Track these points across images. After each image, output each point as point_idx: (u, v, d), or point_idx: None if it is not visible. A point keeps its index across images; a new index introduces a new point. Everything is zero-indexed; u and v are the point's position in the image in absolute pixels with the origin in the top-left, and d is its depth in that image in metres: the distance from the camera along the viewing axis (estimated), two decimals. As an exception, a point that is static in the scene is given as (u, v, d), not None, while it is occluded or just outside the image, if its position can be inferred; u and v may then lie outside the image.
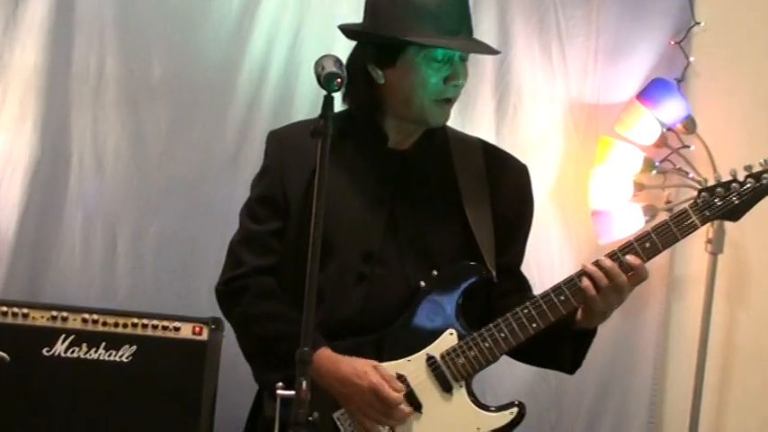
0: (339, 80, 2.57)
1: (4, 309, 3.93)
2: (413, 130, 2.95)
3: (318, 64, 2.65)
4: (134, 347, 3.94)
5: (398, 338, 2.81)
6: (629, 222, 4.44)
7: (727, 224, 4.46)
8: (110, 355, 3.94)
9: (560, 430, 4.64)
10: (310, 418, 2.41)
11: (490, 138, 4.53)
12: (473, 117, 4.56)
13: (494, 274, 2.88)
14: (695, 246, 4.58)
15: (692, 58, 4.62)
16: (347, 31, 2.98)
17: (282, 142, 2.98)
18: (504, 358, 4.41)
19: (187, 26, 4.40)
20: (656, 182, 4.53)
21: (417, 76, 2.84)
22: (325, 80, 2.57)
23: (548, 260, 4.52)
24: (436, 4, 2.81)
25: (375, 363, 2.76)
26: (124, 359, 3.94)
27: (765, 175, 2.84)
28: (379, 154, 2.93)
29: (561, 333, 2.86)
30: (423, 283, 2.83)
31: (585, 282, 2.78)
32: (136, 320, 3.95)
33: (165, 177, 4.37)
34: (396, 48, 2.85)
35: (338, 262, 2.84)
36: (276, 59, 4.42)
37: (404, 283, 2.80)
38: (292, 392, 2.41)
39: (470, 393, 2.82)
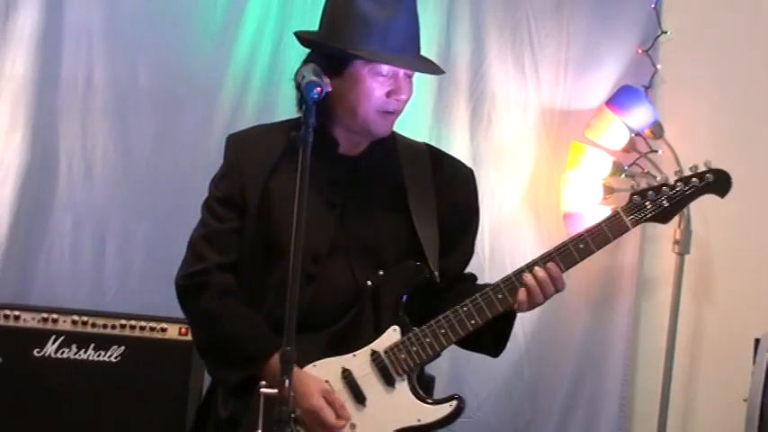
0: (319, 89, 2.58)
1: (-5, 310, 3.93)
2: (361, 137, 2.96)
3: (299, 73, 2.69)
4: (122, 348, 3.95)
5: (345, 335, 2.84)
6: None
7: (695, 225, 4.52)
8: (99, 356, 3.94)
9: (535, 424, 4.66)
10: (293, 415, 2.41)
11: (465, 144, 4.59)
12: (449, 124, 4.60)
13: (436, 274, 2.90)
14: (663, 247, 4.62)
15: (659, 66, 4.65)
16: (301, 38, 2.99)
17: (240, 145, 2.98)
18: (480, 359, 4.52)
19: (173, 35, 4.42)
20: (625, 185, 4.54)
21: (362, 88, 2.86)
22: (306, 89, 2.59)
23: (522, 260, 4.46)
24: (385, 21, 2.82)
25: (327, 388, 2.78)
26: (113, 359, 3.94)
27: (694, 180, 2.88)
28: (331, 160, 2.92)
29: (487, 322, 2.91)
30: (369, 282, 2.84)
31: (521, 289, 2.83)
32: (124, 322, 3.96)
33: (152, 181, 4.38)
34: (344, 59, 2.87)
35: (287, 263, 2.84)
36: (260, 66, 4.44)
37: (351, 282, 2.82)
38: (275, 390, 2.40)
39: (412, 386, 2.85)
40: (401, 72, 2.86)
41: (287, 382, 2.37)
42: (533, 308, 2.90)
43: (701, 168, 2.90)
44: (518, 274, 2.85)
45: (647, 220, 2.87)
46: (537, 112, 4.64)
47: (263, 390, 2.52)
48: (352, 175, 2.74)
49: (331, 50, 2.88)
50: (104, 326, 3.96)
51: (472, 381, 4.56)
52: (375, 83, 2.85)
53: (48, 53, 4.34)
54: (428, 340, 2.83)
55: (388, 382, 2.82)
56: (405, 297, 2.87)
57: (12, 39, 4.30)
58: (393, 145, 3.02)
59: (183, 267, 2.95)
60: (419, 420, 2.83)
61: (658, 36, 4.65)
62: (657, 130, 4.54)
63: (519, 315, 4.42)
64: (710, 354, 4.65)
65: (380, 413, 2.80)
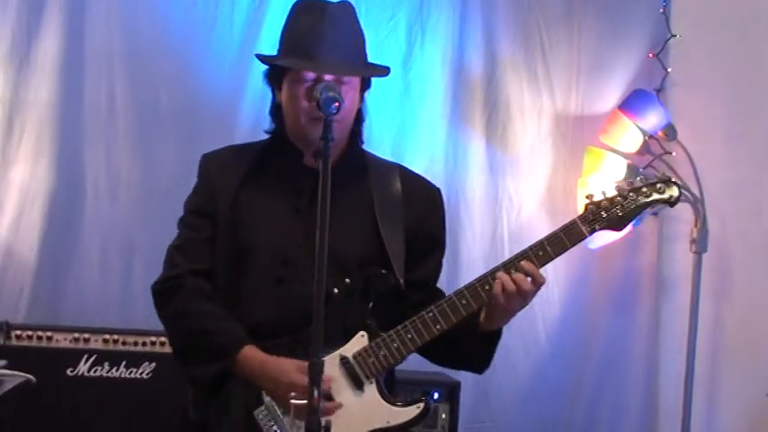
0: (337, 104, 2.62)
1: (29, 332, 3.97)
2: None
3: (317, 89, 2.71)
4: (153, 364, 3.97)
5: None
6: (616, 227, 4.47)
7: (711, 224, 4.51)
8: (131, 373, 3.97)
9: (561, 426, 4.65)
10: (323, 426, 2.43)
11: (481, 153, 4.62)
12: (465, 134, 4.64)
13: (402, 282, 2.92)
14: (681, 247, 4.63)
15: (669, 69, 4.66)
16: (258, 57, 3.05)
17: (212, 164, 3.03)
18: (504, 363, 4.54)
19: (191, 58, 4.47)
20: (640, 187, 4.56)
21: (290, 96, 2.92)
22: (324, 104, 2.63)
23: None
24: (306, 30, 2.88)
25: (299, 363, 2.76)
26: (144, 376, 3.97)
27: (644, 189, 2.94)
28: (296, 170, 2.96)
29: (468, 336, 2.92)
30: (336, 290, 2.85)
31: (497, 288, 2.83)
32: (154, 338, 3.98)
33: (176, 200, 4.36)
34: (278, 71, 2.95)
35: (258, 267, 2.90)
36: (276, 87, 4.46)
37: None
38: (304, 401, 2.42)
39: (380, 390, 2.87)
40: (326, 78, 2.85)
41: (316, 392, 2.39)
42: (510, 310, 2.87)
43: (652, 180, 2.96)
44: (480, 279, 2.86)
45: (602, 229, 2.92)
46: (551, 119, 4.66)
47: (293, 401, 2.58)
48: (316, 184, 2.64)
49: (267, 63, 2.98)
50: (135, 343, 3.99)
51: (497, 385, 4.57)
52: (299, 91, 2.88)
53: (70, 79, 4.39)
54: (395, 345, 2.85)
55: (358, 385, 2.84)
56: (370, 304, 2.89)
57: (35, 66, 4.36)
58: (362, 160, 3.05)
59: (159, 276, 3.02)
60: (388, 422, 2.85)
61: (668, 39, 4.66)
62: (670, 132, 4.55)
63: (541, 318, 4.59)
64: (731, 351, 4.64)
65: (351, 416, 2.82)
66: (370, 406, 2.85)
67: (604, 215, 2.91)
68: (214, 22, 4.48)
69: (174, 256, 2.99)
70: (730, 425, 4.64)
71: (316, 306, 2.46)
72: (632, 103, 4.55)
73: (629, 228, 3.01)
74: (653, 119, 4.53)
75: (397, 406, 2.87)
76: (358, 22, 2.98)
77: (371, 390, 2.85)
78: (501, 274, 2.84)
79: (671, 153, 4.58)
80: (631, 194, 2.93)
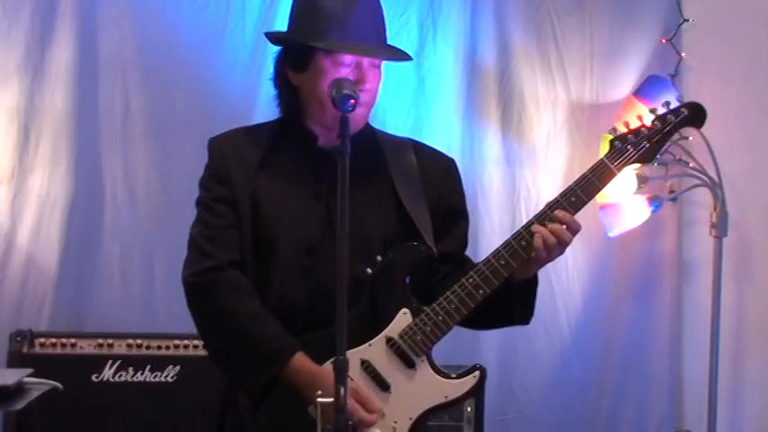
0: (353, 101, 2.58)
1: (53, 340, 3.99)
2: (336, 132, 2.80)
3: (332, 86, 2.67)
4: (178, 367, 3.98)
5: (356, 326, 2.70)
6: (635, 214, 4.45)
7: (730, 207, 4.48)
8: (155, 377, 3.97)
9: (587, 415, 4.64)
10: (350, 423, 2.41)
11: (497, 144, 4.60)
12: (480, 126, 4.61)
13: (434, 250, 2.84)
14: (700, 231, 4.60)
15: (683, 54, 4.62)
16: (270, 37, 2.96)
17: (224, 149, 2.90)
18: (528, 354, 4.53)
19: (204, 61, 4.45)
20: (658, 173, 4.53)
21: (325, 80, 2.79)
22: (340, 101, 2.59)
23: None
24: (344, 12, 2.78)
25: (353, 386, 2.69)
26: (169, 379, 3.97)
27: (669, 117, 2.88)
28: (312, 153, 2.88)
29: (505, 290, 2.82)
30: (369, 270, 2.79)
31: (537, 242, 2.76)
32: (177, 342, 3.99)
33: (194, 203, 4.38)
34: (307, 53, 2.82)
35: (282, 258, 2.80)
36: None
37: (349, 273, 2.56)
38: (331, 399, 2.40)
39: (432, 365, 2.81)
40: (365, 61, 2.80)
41: (342, 390, 2.36)
42: (550, 260, 2.80)
43: (675, 105, 2.90)
44: (516, 236, 2.79)
45: (631, 162, 2.85)
46: (566, 108, 4.64)
47: (319, 399, 2.51)
48: (334, 166, 2.57)
49: (294, 46, 2.86)
50: (159, 347, 4.00)
51: (521, 376, 4.56)
52: (338, 74, 2.78)
53: (85, 86, 4.39)
54: (440, 318, 2.78)
55: (409, 365, 2.78)
56: (407, 279, 2.82)
57: (49, 74, 4.36)
58: (374, 138, 2.97)
59: (190, 266, 2.84)
60: (446, 397, 2.80)
61: (681, 24, 4.62)
62: (686, 117, 4.52)
63: (563, 308, 4.57)
64: (755, 334, 4.62)
65: (407, 397, 2.77)
66: (426, 383, 2.79)
67: (631, 149, 2.83)
68: (225, 24, 4.47)
69: (203, 244, 2.82)
70: (757, 408, 4.62)
71: (339, 300, 2.40)
72: (647, 89, 4.51)
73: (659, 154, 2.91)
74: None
75: (453, 378, 2.81)
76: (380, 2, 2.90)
77: (424, 367, 2.79)
78: (538, 227, 2.77)
79: (687, 138, 4.54)
80: (656, 123, 2.86)
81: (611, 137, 4.44)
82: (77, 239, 4.37)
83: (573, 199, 2.82)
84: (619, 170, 2.83)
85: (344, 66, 2.79)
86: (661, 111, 2.88)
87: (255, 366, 2.75)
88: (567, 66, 4.63)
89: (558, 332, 4.60)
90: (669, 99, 4.39)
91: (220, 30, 4.47)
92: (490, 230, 4.56)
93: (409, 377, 2.78)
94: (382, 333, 2.78)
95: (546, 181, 4.62)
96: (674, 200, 4.60)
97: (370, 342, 2.77)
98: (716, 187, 4.49)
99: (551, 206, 2.81)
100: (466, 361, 4.18)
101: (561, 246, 2.79)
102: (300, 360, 2.73)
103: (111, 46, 4.41)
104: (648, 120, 2.87)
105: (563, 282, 4.59)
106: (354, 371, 2.70)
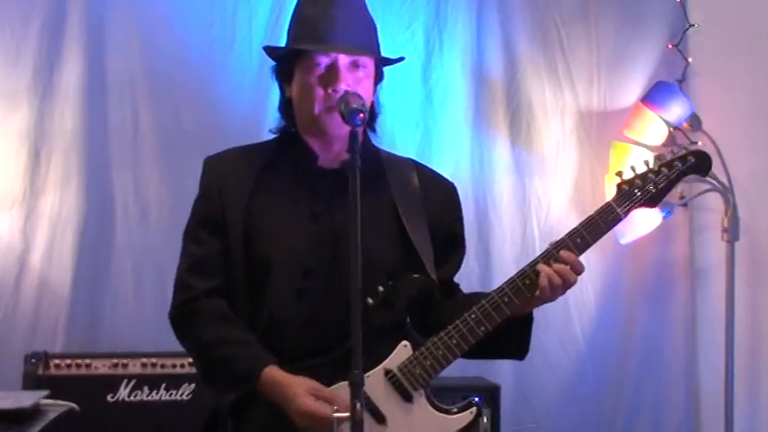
0: (362, 115, 2.55)
1: (68, 361, 3.98)
2: (337, 147, 2.82)
3: (341, 101, 2.64)
4: (193, 385, 3.96)
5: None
6: (646, 220, 4.43)
7: (741, 212, 4.46)
8: (170, 395, 3.96)
9: (604, 424, 4.62)
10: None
11: (506, 154, 4.60)
12: (489, 136, 4.61)
13: (435, 280, 2.82)
14: (712, 236, 4.59)
15: (690, 59, 4.62)
16: (265, 49, 2.94)
17: (218, 168, 2.89)
18: (543, 365, 4.51)
19: (211, 78, 4.46)
20: (667, 179, 4.53)
21: (302, 85, 2.78)
22: (349, 116, 2.56)
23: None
24: (316, 15, 2.76)
25: (314, 384, 2.67)
26: (185, 397, 3.95)
27: (676, 163, 2.88)
28: (311, 173, 2.83)
29: (503, 326, 2.79)
30: (370, 300, 2.74)
31: (543, 281, 2.75)
32: (191, 360, 3.95)
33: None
34: (287, 61, 2.82)
35: (277, 280, 2.77)
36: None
37: (349, 301, 2.52)
38: (347, 414, 2.39)
39: (430, 400, 2.78)
40: (340, 63, 2.75)
41: (358, 405, 2.34)
42: (552, 299, 2.80)
43: (682, 152, 2.91)
44: (520, 274, 2.77)
45: (637, 207, 2.86)
46: (575, 116, 4.64)
47: (335, 414, 2.50)
48: (335, 187, 2.60)
49: (273, 55, 2.87)
50: (173, 365, 3.98)
51: (537, 387, 4.54)
52: (312, 78, 2.75)
53: (94, 105, 4.38)
54: (441, 352, 2.75)
55: (406, 398, 2.74)
56: (409, 310, 2.81)
57: (59, 93, 4.36)
58: (376, 157, 2.92)
59: (172, 300, 2.87)
60: None
61: (687, 29, 4.63)
62: (695, 122, 4.51)
63: (577, 317, 4.56)
64: (769, 337, 4.61)
65: (403, 431, 2.75)
66: (422, 417, 2.76)
67: (638, 193, 2.85)
68: (232, 42, 4.47)
69: (185, 278, 2.83)
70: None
71: (353, 318, 2.38)
72: (655, 95, 4.52)
73: (662, 202, 2.93)
74: (677, 110, 4.50)
75: (450, 414, 2.79)
76: (367, 7, 2.86)
77: (421, 401, 2.76)
78: (543, 267, 2.76)
79: (697, 143, 4.52)
80: (663, 168, 2.86)
81: (621, 144, 4.50)
82: (90, 259, 4.36)
83: (578, 240, 2.81)
84: (625, 214, 2.85)
85: (317, 67, 2.76)
86: (668, 157, 2.90)
87: (231, 387, 2.77)
88: (574, 74, 4.64)
89: (572, 341, 4.59)
90: (678, 105, 4.47)
91: (227, 47, 4.47)
92: (501, 240, 4.57)
93: (406, 411, 2.75)
94: (381, 365, 2.75)
95: (556, 189, 4.62)
96: (684, 205, 4.60)
97: (368, 373, 2.70)
98: (727, 192, 4.48)
99: (557, 246, 2.80)
100: (480, 372, 4.22)
101: (565, 286, 2.78)
102: (271, 374, 2.71)
103: (119, 65, 4.41)
104: (655, 165, 2.88)
105: (576, 290, 4.46)
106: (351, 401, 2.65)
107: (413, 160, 3.03)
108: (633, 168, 2.88)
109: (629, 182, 2.87)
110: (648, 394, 4.64)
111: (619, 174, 2.90)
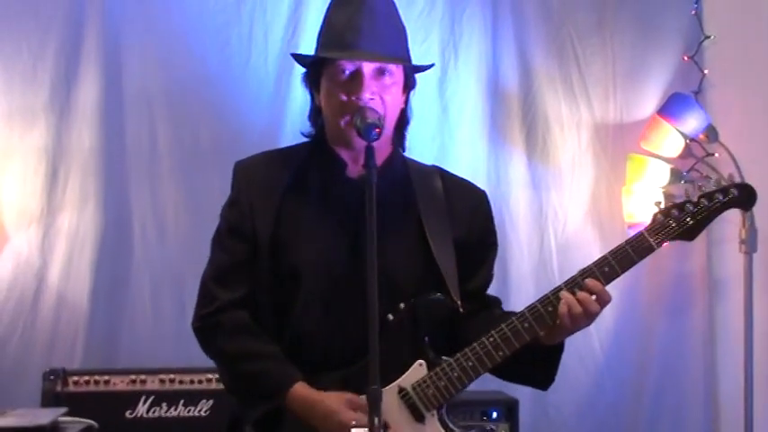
0: (378, 130, 2.55)
1: (86, 378, 3.97)
2: (364, 158, 2.73)
3: (357, 116, 2.64)
4: (211, 401, 3.96)
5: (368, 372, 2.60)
6: (664, 233, 4.41)
7: (759, 222, 4.44)
8: (189, 412, 3.95)
9: (622, 436, 4.60)
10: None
11: (523, 168, 4.58)
12: (505, 150, 4.61)
13: (459, 303, 2.77)
14: (730, 247, 4.56)
15: (706, 71, 4.61)
16: (295, 58, 2.91)
17: (249, 175, 2.86)
18: (561, 376, 4.48)
19: (228, 94, 4.45)
20: (685, 191, 4.50)
21: (328, 94, 2.75)
22: (365, 130, 2.56)
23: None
24: (342, 22, 2.72)
25: (347, 396, 2.67)
26: (203, 413, 3.95)
27: (718, 195, 2.78)
28: (340, 183, 2.81)
29: (529, 352, 2.74)
30: (390, 316, 2.72)
31: (562, 309, 2.68)
32: (210, 375, 3.96)
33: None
34: (315, 69, 2.79)
35: (304, 289, 2.75)
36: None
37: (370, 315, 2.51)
38: (365, 429, 2.38)
39: (442, 421, 2.74)
40: (365, 70, 2.71)
41: (376, 420, 2.33)
42: (576, 330, 2.73)
43: (724, 183, 2.81)
44: (543, 300, 2.71)
45: (672, 239, 2.76)
46: (591, 129, 4.63)
47: (353, 429, 2.50)
48: (363, 198, 2.53)
49: (301, 62, 2.85)
50: (191, 381, 3.98)
51: (555, 398, 4.51)
52: (336, 87, 2.72)
53: (111, 122, 4.39)
54: (456, 374, 2.71)
55: (418, 418, 2.71)
56: (428, 330, 2.76)
57: (76, 112, 4.36)
58: (404, 168, 2.90)
59: (196, 310, 2.87)
60: None
61: (702, 41, 4.62)
62: (712, 133, 4.50)
63: (595, 329, 4.53)
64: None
65: None
66: None
67: (674, 225, 2.74)
68: (248, 57, 4.47)
69: (210, 287, 2.83)
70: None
71: (371, 333, 2.36)
72: (671, 107, 4.50)
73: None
74: (693, 122, 4.48)
75: None
76: (397, 12, 2.82)
77: (433, 422, 2.72)
78: (565, 294, 2.69)
79: (714, 155, 4.52)
80: (702, 200, 2.77)
81: (637, 156, 4.49)
82: (108, 276, 4.36)
83: (606, 269, 2.73)
84: (658, 245, 2.75)
85: (342, 77, 2.73)
86: (710, 188, 2.79)
87: (255, 404, 2.75)
88: (589, 86, 4.64)
89: (590, 353, 4.56)
90: (694, 117, 4.45)
91: (243, 62, 4.48)
92: (519, 255, 4.56)
93: (417, 431, 2.72)
94: (395, 382, 2.72)
95: (573, 203, 4.61)
96: (703, 216, 4.57)
97: (383, 389, 2.62)
98: (744, 203, 4.45)
99: (584, 274, 2.72)
100: (498, 386, 4.19)
101: (588, 317, 2.70)
102: (300, 390, 2.71)
103: (136, 82, 4.42)
104: (695, 195, 2.77)
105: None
106: (362, 417, 2.61)
107: (440, 169, 3.00)
108: (671, 197, 2.78)
109: (666, 211, 2.76)
110: (667, 408, 4.61)
111: (657, 203, 2.80)
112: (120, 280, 4.39)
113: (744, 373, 4.43)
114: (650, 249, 2.75)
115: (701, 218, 2.77)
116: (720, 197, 2.79)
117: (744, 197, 2.82)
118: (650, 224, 2.76)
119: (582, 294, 2.69)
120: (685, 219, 2.76)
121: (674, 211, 2.76)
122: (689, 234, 2.78)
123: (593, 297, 2.70)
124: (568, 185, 4.61)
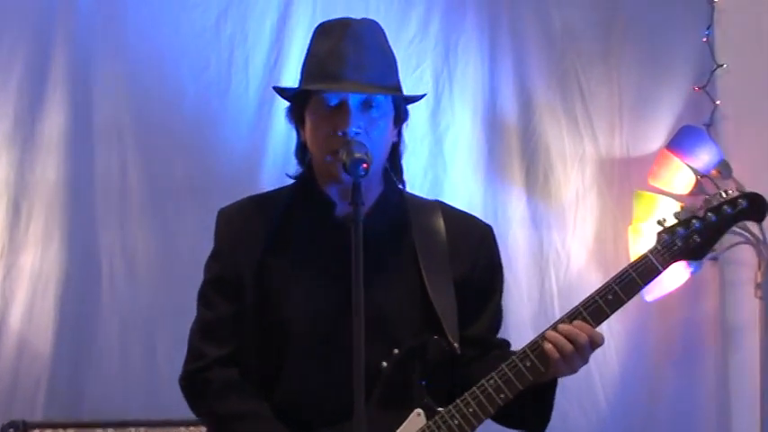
0: (365, 165, 2.50)
1: (49, 431, 3.91)
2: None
3: (343, 150, 2.57)
4: (184, 458, 3.90)
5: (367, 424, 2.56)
6: (673, 276, 4.36)
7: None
8: (160, 467, 3.90)
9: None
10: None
11: (522, 205, 4.58)
12: (503, 186, 4.58)
13: (456, 346, 2.71)
14: (744, 292, 4.55)
15: (718, 102, 4.60)
16: (275, 89, 2.88)
17: (231, 222, 2.83)
18: (563, 427, 4.44)
19: (206, 124, 4.37)
20: (696, 233, 4.48)
21: (312, 129, 2.72)
22: (351, 166, 2.50)
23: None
24: (326, 52, 2.69)
25: None
26: (176, 469, 3.90)
27: (725, 208, 2.70)
28: (328, 225, 2.76)
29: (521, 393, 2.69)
30: (384, 364, 2.67)
31: (548, 345, 2.63)
32: (183, 429, 3.91)
33: (197, 277, 4.30)
34: (300, 103, 2.75)
35: (294, 344, 2.72)
36: (298, 149, 4.41)
37: (364, 365, 2.50)
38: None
39: None
40: (350, 103, 2.66)
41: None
42: (572, 370, 2.68)
43: (731, 194, 2.73)
44: (544, 337, 2.64)
45: (679, 259, 2.68)
46: (595, 164, 4.60)
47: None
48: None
49: (285, 96, 2.80)
50: (162, 436, 3.93)
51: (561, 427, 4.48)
52: (320, 120, 2.69)
53: (78, 154, 4.28)
54: (456, 422, 2.64)
55: None
56: (425, 376, 2.71)
57: (40, 144, 4.24)
58: (401, 205, 2.84)
59: (184, 366, 2.85)
60: None
61: (714, 70, 4.62)
62: (725, 169, 4.46)
63: (599, 379, 4.48)
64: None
65: None
66: None
67: (680, 244, 2.66)
68: (228, 85, 4.38)
69: (197, 343, 2.81)
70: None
71: (356, 391, 2.34)
72: (681, 141, 4.48)
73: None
74: (705, 156, 4.45)
75: None
76: (386, 39, 2.76)
77: None
78: (549, 333, 2.62)
79: (727, 192, 4.49)
80: (709, 214, 2.68)
81: (645, 193, 4.45)
82: (72, 319, 4.24)
83: (610, 297, 2.66)
84: (665, 267, 2.67)
85: (326, 107, 2.68)
86: (716, 201, 2.70)
87: None
88: (594, 119, 4.61)
89: (594, 406, 4.52)
90: (706, 151, 4.42)
91: (223, 90, 4.39)
92: (518, 299, 4.48)
93: None
94: None
95: (576, 243, 4.56)
96: (714, 259, 4.52)
97: None
98: (759, 244, 4.43)
99: (585, 305, 2.67)
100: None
101: (581, 354, 2.66)
102: None
103: (106, 111, 4.30)
104: (701, 211, 2.69)
105: (598, 351, 4.43)
106: None
107: (441, 203, 2.93)
108: (677, 216, 2.69)
109: (670, 230, 2.68)
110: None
111: (660, 222, 2.70)
112: (86, 324, 4.26)
113: (759, 429, 4.37)
114: (656, 271, 2.67)
115: (708, 234, 2.70)
116: (729, 209, 2.70)
117: (754, 207, 2.72)
118: (655, 244, 2.68)
119: (565, 327, 2.65)
120: (692, 236, 2.68)
121: (680, 229, 2.68)
122: (697, 253, 2.70)
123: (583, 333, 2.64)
124: (571, 224, 4.56)
